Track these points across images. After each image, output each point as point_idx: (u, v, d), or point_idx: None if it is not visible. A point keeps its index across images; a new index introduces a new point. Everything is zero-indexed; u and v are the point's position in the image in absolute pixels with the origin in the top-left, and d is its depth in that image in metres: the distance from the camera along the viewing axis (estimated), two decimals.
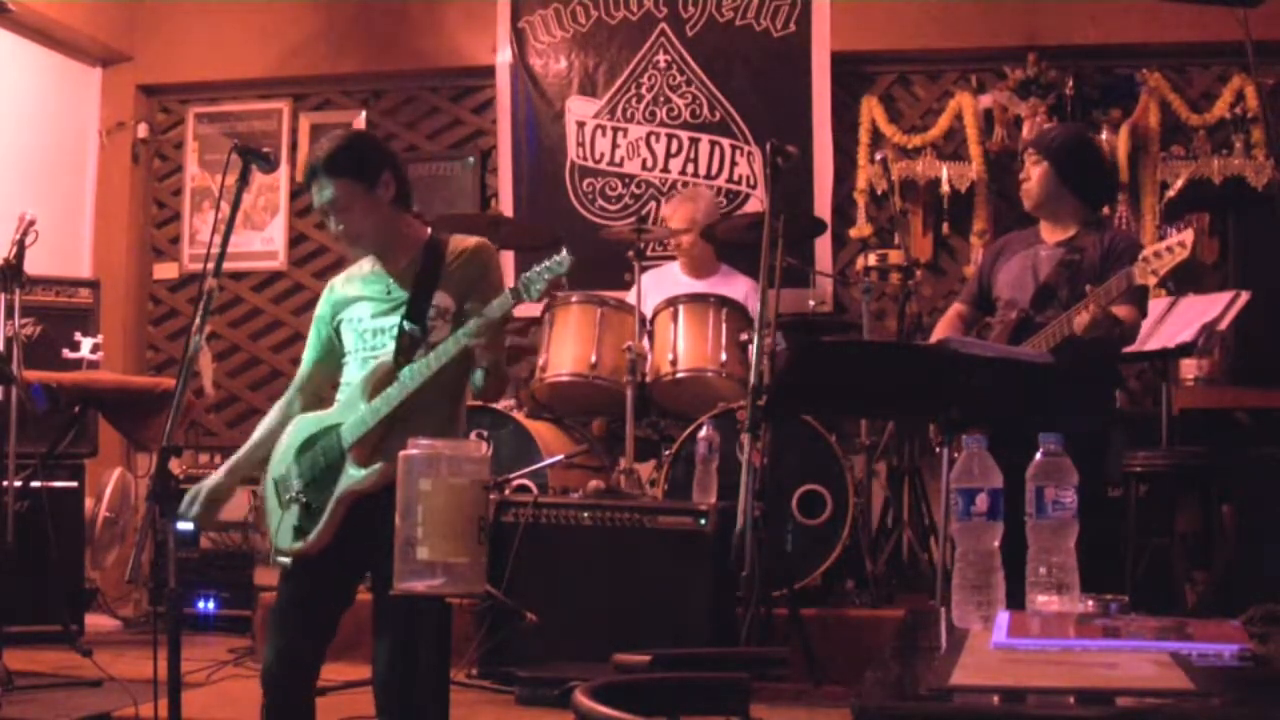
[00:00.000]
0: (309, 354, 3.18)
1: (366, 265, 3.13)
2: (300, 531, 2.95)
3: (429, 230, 3.12)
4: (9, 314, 4.55)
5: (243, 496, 5.86)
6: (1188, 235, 3.53)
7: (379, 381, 2.95)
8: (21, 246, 4.49)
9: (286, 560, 2.99)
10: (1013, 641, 1.79)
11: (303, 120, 6.67)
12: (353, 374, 3.03)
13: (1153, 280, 3.58)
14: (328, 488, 2.94)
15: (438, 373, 2.89)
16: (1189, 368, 5.01)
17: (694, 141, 6.17)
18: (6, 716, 3.83)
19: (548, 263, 2.81)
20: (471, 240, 3.10)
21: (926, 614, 2.48)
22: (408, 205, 3.09)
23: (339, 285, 3.15)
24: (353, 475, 2.91)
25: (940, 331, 4.11)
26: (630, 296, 5.13)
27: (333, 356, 3.13)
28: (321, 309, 3.16)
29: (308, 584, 2.97)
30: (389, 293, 3.04)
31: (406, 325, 2.96)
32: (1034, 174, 3.97)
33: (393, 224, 3.05)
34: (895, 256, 5.32)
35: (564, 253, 2.82)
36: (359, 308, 3.07)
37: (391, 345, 2.97)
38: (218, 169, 6.46)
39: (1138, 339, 4.00)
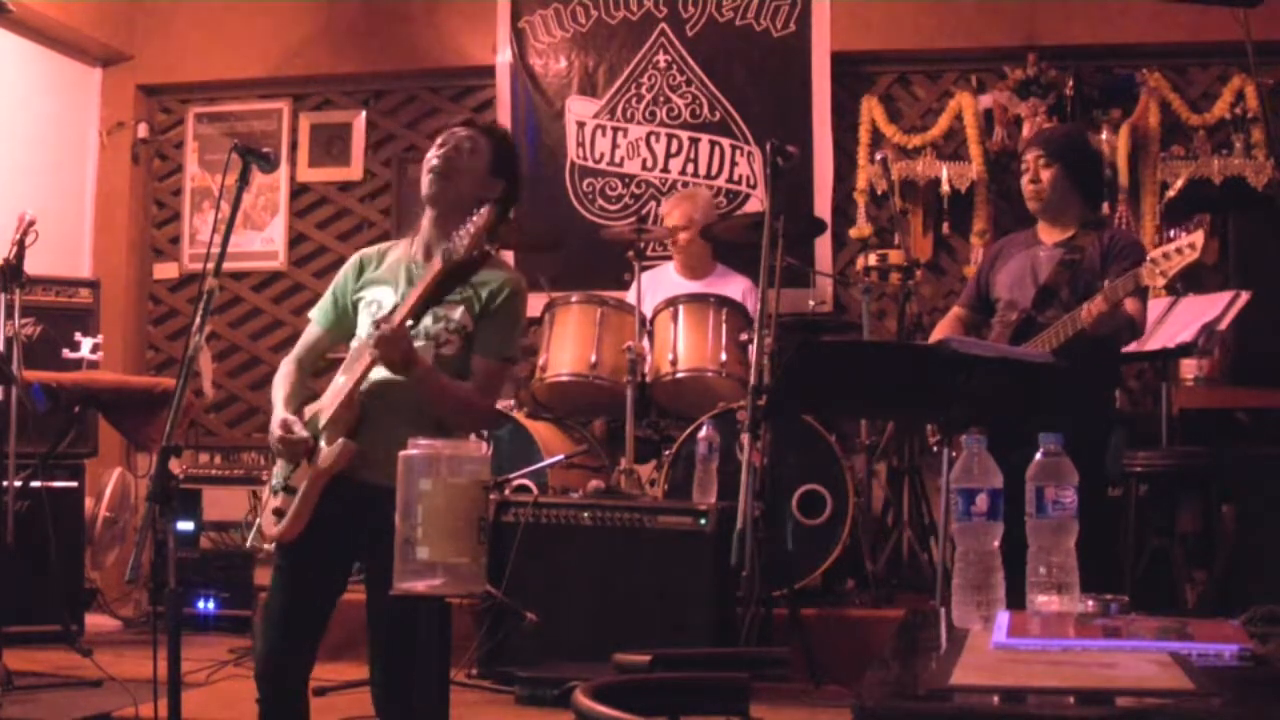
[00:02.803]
0: (320, 318, 3.07)
1: (401, 249, 3.05)
2: (279, 515, 2.94)
3: (488, 247, 2.96)
4: (9, 314, 4.55)
5: (243, 496, 5.88)
6: (1197, 237, 3.52)
7: (352, 361, 2.92)
8: (21, 246, 4.49)
9: (268, 546, 2.97)
10: (1013, 641, 1.79)
11: (303, 120, 6.67)
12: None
13: (1161, 282, 3.58)
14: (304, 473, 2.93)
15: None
16: (1189, 368, 5.01)
17: (694, 141, 6.17)
18: (6, 716, 3.83)
19: (470, 221, 2.72)
20: (504, 273, 3.01)
21: (926, 614, 2.48)
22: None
23: (370, 262, 3.06)
24: (320, 454, 2.88)
25: (940, 333, 4.11)
26: (630, 296, 5.13)
27: (340, 328, 3.05)
28: (345, 279, 3.06)
29: (294, 578, 2.96)
30: (413, 283, 2.93)
31: (393, 310, 2.86)
32: (1045, 177, 3.96)
33: (467, 215, 2.84)
34: (895, 256, 5.32)
35: (483, 207, 2.75)
36: (380, 290, 2.99)
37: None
38: (218, 169, 6.46)
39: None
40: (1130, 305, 3.71)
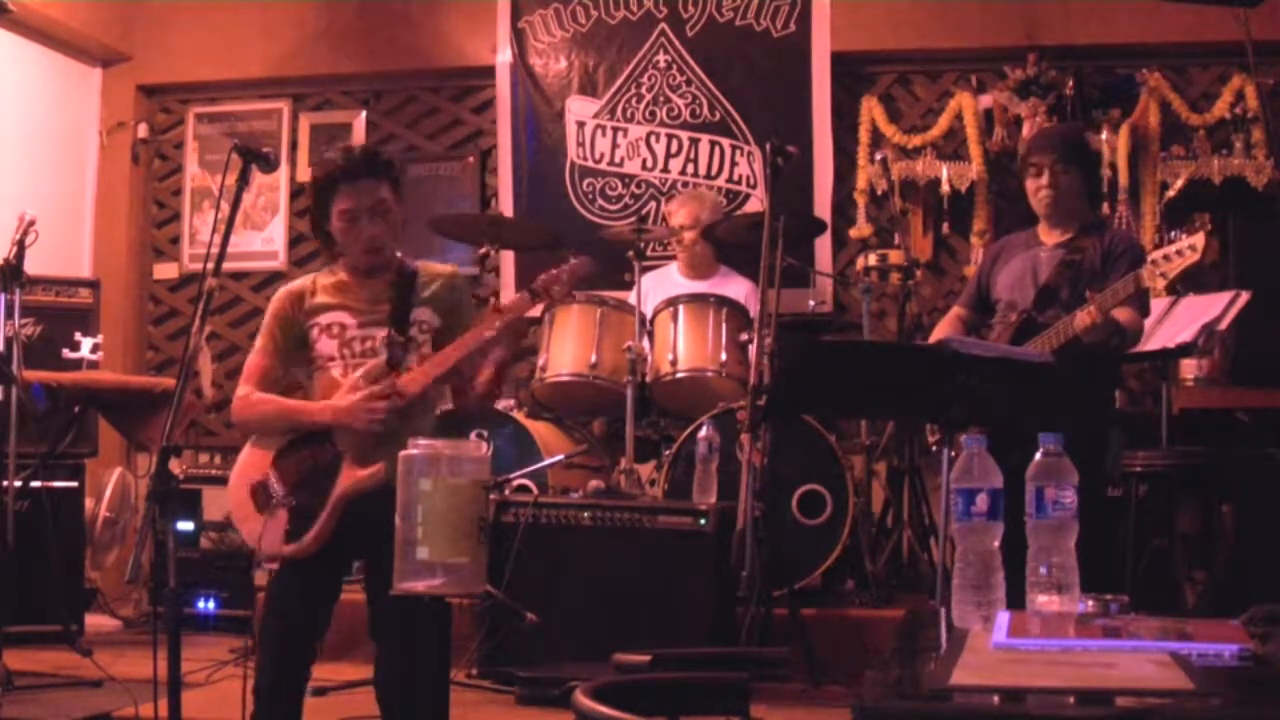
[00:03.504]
0: (268, 353, 3.17)
1: (331, 277, 3.18)
2: (293, 534, 2.95)
3: (399, 254, 3.24)
4: (9, 314, 4.55)
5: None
6: (1198, 238, 3.52)
7: (372, 383, 2.99)
8: (21, 246, 4.49)
9: (274, 565, 3.00)
10: (1013, 641, 1.79)
11: (303, 120, 6.67)
12: (337, 379, 3.06)
13: (1161, 283, 3.58)
14: (321, 489, 2.94)
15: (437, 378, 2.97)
16: (1189, 368, 5.01)
17: (694, 141, 6.17)
18: (6, 716, 3.83)
19: (565, 266, 3.05)
20: (446, 267, 3.26)
21: (926, 614, 2.48)
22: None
23: (305, 294, 3.17)
24: (352, 475, 2.92)
25: (940, 333, 4.11)
26: (630, 296, 5.13)
27: (286, 358, 3.16)
28: (288, 311, 3.16)
29: (303, 589, 2.98)
30: (375, 304, 3.10)
31: (395, 333, 3.05)
32: (1063, 182, 3.96)
33: (395, 242, 3.18)
34: (895, 256, 5.31)
35: (584, 258, 3.11)
36: (338, 315, 3.11)
37: (383, 351, 3.04)
38: (218, 169, 6.45)
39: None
40: (1121, 314, 3.71)
